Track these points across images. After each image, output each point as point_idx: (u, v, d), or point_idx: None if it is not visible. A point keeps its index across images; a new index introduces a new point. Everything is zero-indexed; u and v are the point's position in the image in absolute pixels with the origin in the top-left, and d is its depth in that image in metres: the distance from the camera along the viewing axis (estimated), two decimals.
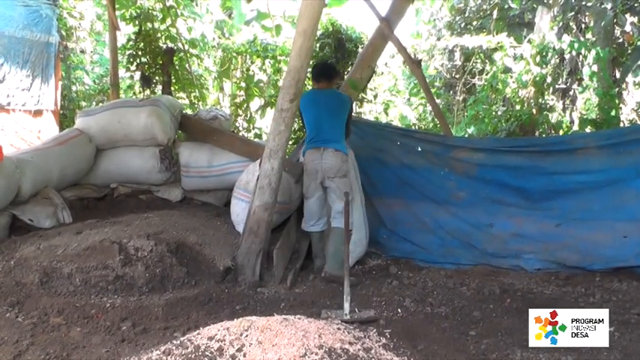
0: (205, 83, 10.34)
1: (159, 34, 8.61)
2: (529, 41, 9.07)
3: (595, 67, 8.54)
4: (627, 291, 4.23)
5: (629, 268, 4.60)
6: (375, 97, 10.17)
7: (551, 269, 4.78)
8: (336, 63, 8.11)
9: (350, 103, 5.09)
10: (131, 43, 8.50)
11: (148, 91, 8.65)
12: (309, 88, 8.29)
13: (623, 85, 9.24)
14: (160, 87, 8.41)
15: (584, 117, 8.87)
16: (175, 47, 8.70)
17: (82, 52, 11.08)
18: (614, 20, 8.75)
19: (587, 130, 8.08)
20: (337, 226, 4.74)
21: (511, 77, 9.01)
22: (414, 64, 6.66)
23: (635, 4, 8.77)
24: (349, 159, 5.05)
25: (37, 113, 7.39)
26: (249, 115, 9.68)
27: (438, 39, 11.61)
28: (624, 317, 3.70)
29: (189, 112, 7.95)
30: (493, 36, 9.84)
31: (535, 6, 10.01)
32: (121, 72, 8.93)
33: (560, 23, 9.91)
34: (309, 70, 4.98)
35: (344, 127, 4.92)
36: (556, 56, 9.09)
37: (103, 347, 3.09)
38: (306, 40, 4.09)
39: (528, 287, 4.44)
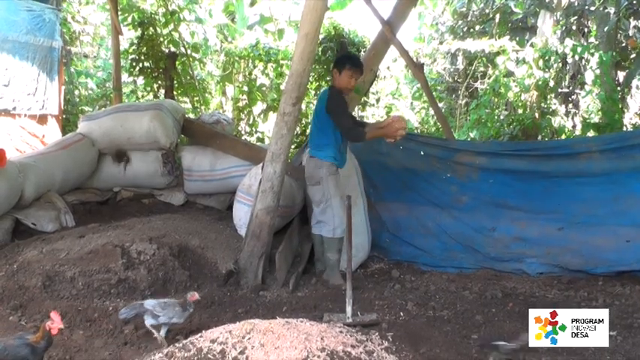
0: (208, 87, 10.38)
1: (161, 39, 8.63)
2: (532, 45, 9.08)
3: (598, 71, 8.55)
4: (630, 295, 4.22)
5: (632, 273, 4.58)
6: (378, 100, 10.19)
7: (554, 273, 4.77)
8: None
9: (325, 97, 4.55)
10: (134, 47, 8.53)
11: (150, 95, 8.68)
12: (312, 92, 8.34)
13: (626, 90, 9.23)
14: (162, 91, 8.44)
15: (587, 121, 8.88)
16: (178, 51, 8.74)
17: (86, 56, 11.13)
18: (618, 24, 8.75)
19: (590, 134, 8.07)
20: (313, 232, 4.78)
21: (513, 81, 9.02)
22: (416, 68, 6.67)
23: (639, 9, 8.77)
24: (352, 164, 5.04)
25: (41, 118, 7.42)
26: (251, 119, 9.70)
27: (441, 43, 11.63)
28: (627, 321, 3.69)
29: (191, 116, 7.97)
30: (496, 40, 9.86)
31: (538, 10, 10.02)
32: (124, 76, 8.96)
33: (563, 27, 9.91)
34: (312, 73, 4.95)
35: (325, 127, 4.56)
36: (559, 60, 9.09)
37: (105, 350, 3.09)
38: (309, 44, 4.10)
39: (531, 291, 4.43)
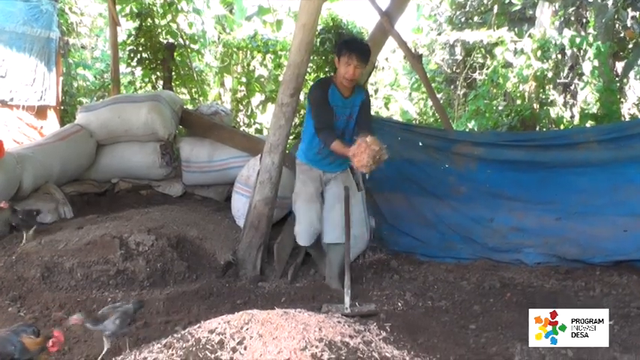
0: (206, 79, 10.35)
1: (159, 30, 8.61)
2: (530, 36, 9.06)
3: (596, 62, 8.54)
4: (627, 285, 4.23)
5: (629, 262, 4.57)
6: (376, 92, 10.17)
7: (552, 263, 4.76)
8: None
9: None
10: (132, 38, 8.50)
11: (148, 87, 8.66)
12: (310, 83, 8.31)
13: (624, 80, 9.23)
14: (160, 82, 8.43)
15: (585, 112, 8.87)
16: (176, 43, 8.70)
17: (83, 47, 11.08)
18: (616, 15, 8.73)
19: (588, 124, 8.07)
20: None
21: (512, 72, 9.00)
22: (414, 59, 6.64)
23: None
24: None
25: (39, 109, 7.39)
26: (250, 111, 9.68)
27: (439, 34, 11.59)
28: (624, 311, 3.70)
29: (190, 107, 7.95)
30: (494, 30, 9.83)
31: (536, 1, 9.99)
32: (122, 68, 8.93)
33: (562, 18, 9.89)
34: (310, 64, 4.90)
35: (306, 120, 4.22)
36: (557, 51, 9.07)
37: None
38: (307, 35, 4.08)
39: (528, 281, 4.44)
